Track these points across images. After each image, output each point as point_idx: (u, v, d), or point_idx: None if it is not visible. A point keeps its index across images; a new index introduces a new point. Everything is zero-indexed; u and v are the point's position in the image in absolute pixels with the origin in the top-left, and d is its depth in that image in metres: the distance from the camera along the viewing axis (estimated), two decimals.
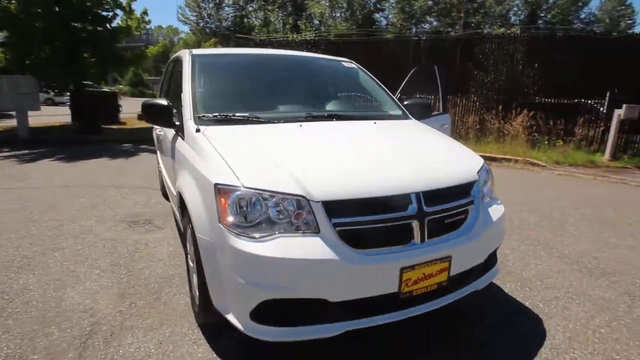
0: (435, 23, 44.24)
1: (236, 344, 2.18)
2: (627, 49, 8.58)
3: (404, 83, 3.78)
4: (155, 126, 3.79)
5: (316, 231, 1.78)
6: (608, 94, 8.73)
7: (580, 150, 8.48)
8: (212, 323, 2.27)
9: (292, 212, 1.80)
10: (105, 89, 18.97)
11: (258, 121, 2.54)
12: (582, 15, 40.03)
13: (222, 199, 1.83)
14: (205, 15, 47.81)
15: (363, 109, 3.21)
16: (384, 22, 46.81)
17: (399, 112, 3.17)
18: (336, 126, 2.61)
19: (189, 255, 2.51)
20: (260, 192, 1.80)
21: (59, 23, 10.52)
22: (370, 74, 3.57)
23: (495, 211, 2.32)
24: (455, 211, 2.06)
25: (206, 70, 2.90)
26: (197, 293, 2.25)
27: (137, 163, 7.34)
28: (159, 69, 64.83)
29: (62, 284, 2.81)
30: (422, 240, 1.91)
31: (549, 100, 9.25)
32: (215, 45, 28.16)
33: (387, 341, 2.20)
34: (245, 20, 46.25)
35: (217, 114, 2.53)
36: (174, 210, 3.23)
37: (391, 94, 3.41)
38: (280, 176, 1.87)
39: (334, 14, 44.79)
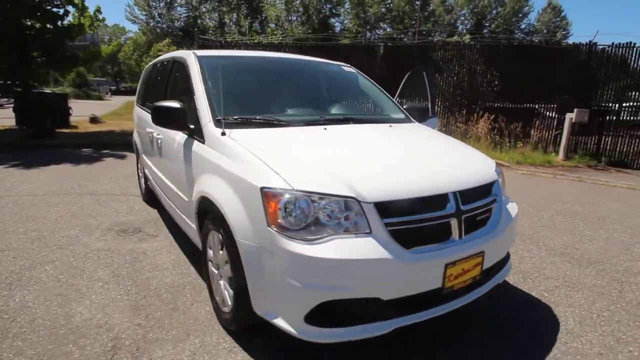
0: (389, 29, 45.60)
1: (273, 348, 2.15)
2: (573, 57, 9.38)
3: (400, 87, 3.92)
4: (149, 129, 3.62)
5: (367, 232, 1.81)
6: (558, 99, 9.48)
7: (537, 151, 9.13)
8: (245, 329, 2.23)
9: (341, 214, 1.82)
10: (48, 90, 17.63)
11: (279, 124, 2.53)
12: (523, 26, 43.18)
13: (272, 203, 1.81)
14: (156, 14, 46.05)
15: (372, 112, 3.27)
16: (340, 27, 47.49)
17: (402, 116, 3.27)
18: (358, 129, 2.65)
19: (211, 262, 2.44)
20: (310, 194, 1.80)
21: (2, 19, 9.70)
22: (369, 79, 3.65)
23: (512, 208, 2.47)
24: (484, 209, 2.18)
25: (215, 72, 2.83)
26: (229, 300, 2.20)
27: (104, 169, 6.93)
28: (105, 69, 61.39)
29: (65, 298, 2.62)
30: (460, 237, 2.01)
31: (508, 104, 9.88)
32: (169, 46, 27.21)
33: (410, 336, 2.27)
34: (199, 21, 45.12)
35: (237, 117, 2.49)
36: (177, 217, 3.11)
37: (392, 98, 3.52)
38: (327, 178, 1.88)
39: (290, 18, 44.83)
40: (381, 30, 46.00)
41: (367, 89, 3.54)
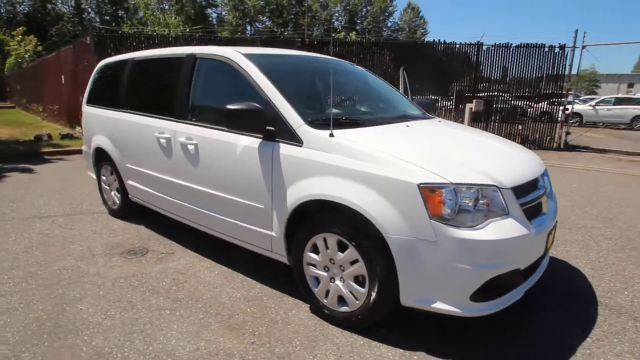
0: (268, 23, 45.64)
1: (400, 333, 2.27)
2: (463, 54, 11.00)
3: (408, 86, 4.21)
4: (161, 134, 3.21)
5: (505, 213, 2.07)
6: (455, 91, 11.04)
7: None
8: (370, 325, 2.29)
9: (483, 200, 2.04)
10: None
11: (364, 123, 2.62)
12: (389, 24, 47.82)
13: (433, 197, 1.94)
14: None
15: (402, 109, 3.47)
16: (217, 18, 45.92)
17: (421, 112, 3.57)
18: (429, 125, 2.89)
19: (314, 266, 2.42)
20: (462, 185, 1.99)
21: None
22: (376, 76, 3.88)
23: None
24: (549, 187, 2.64)
25: (274, 72, 2.72)
26: (356, 298, 2.25)
27: (21, 187, 5.70)
28: None
29: (145, 334, 2.28)
30: (547, 210, 2.42)
31: (415, 97, 11.09)
32: (23, 35, 22.80)
33: None
34: (49, 5, 38.56)
35: (325, 118, 2.48)
36: (229, 227, 2.88)
37: (400, 93, 3.81)
38: (466, 170, 2.09)
39: (162, 6, 41.51)
40: (260, 24, 45.82)
41: (380, 86, 3.74)
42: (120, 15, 41.30)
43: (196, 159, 2.99)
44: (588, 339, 2.28)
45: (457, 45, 10.69)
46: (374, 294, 2.17)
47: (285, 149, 2.43)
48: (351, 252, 2.22)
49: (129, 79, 3.80)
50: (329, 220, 2.29)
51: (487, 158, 2.37)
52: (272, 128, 2.48)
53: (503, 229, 2.00)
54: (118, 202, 4.22)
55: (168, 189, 3.36)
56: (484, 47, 10.45)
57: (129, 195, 4.01)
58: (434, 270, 1.98)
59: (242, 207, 2.73)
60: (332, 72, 2.55)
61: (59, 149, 8.67)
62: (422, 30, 46.72)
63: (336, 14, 46.92)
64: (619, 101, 16.81)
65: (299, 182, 2.37)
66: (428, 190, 1.96)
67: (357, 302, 2.26)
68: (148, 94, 3.68)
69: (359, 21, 47.41)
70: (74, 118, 10.44)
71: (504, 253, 2.00)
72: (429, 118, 3.28)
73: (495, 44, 10.33)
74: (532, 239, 2.10)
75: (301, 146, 2.37)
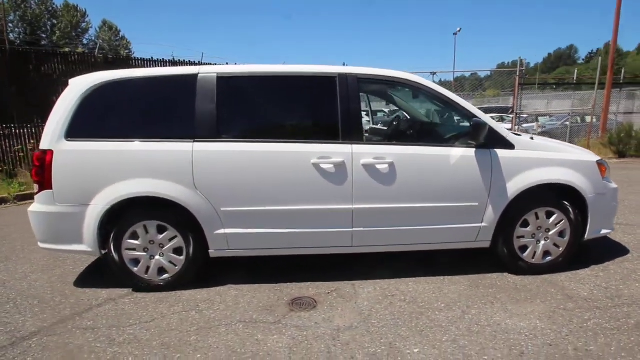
0: None
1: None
2: None
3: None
4: (326, 158, 2.84)
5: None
6: None
7: None
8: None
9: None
10: None
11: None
12: (85, 41, 42.19)
13: (602, 167, 3.29)
14: None
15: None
16: None
17: None
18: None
19: (522, 237, 3.22)
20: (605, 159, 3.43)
21: None
22: None
23: None
24: None
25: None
26: (559, 249, 3.26)
27: None
28: None
29: (497, 331, 2.44)
30: None
31: None
32: None
33: None
34: None
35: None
36: (429, 235, 3.13)
37: None
38: (587, 151, 3.54)
39: None
40: None
41: None
42: None
43: (391, 177, 3.01)
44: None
45: None
46: (572, 240, 3.26)
47: (503, 153, 3.11)
48: (558, 216, 3.21)
49: (220, 102, 2.94)
50: (538, 198, 3.19)
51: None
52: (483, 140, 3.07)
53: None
54: (178, 266, 3.09)
55: (327, 219, 3.04)
56: None
57: (210, 251, 3.09)
58: (604, 210, 3.31)
59: (452, 211, 3.11)
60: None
61: None
62: (127, 51, 43.94)
63: (11, 25, 37.10)
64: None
65: (517, 176, 3.11)
66: (599, 164, 3.28)
67: (560, 249, 3.27)
68: (277, 117, 3.10)
69: (44, 35, 39.48)
70: None
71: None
72: None
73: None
74: None
75: (513, 149, 3.13)
